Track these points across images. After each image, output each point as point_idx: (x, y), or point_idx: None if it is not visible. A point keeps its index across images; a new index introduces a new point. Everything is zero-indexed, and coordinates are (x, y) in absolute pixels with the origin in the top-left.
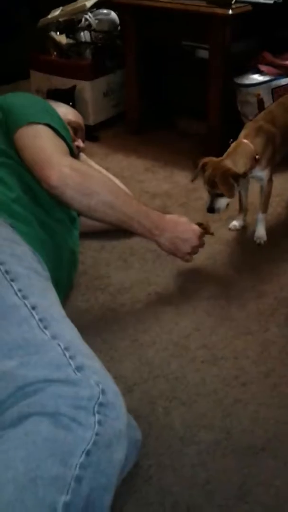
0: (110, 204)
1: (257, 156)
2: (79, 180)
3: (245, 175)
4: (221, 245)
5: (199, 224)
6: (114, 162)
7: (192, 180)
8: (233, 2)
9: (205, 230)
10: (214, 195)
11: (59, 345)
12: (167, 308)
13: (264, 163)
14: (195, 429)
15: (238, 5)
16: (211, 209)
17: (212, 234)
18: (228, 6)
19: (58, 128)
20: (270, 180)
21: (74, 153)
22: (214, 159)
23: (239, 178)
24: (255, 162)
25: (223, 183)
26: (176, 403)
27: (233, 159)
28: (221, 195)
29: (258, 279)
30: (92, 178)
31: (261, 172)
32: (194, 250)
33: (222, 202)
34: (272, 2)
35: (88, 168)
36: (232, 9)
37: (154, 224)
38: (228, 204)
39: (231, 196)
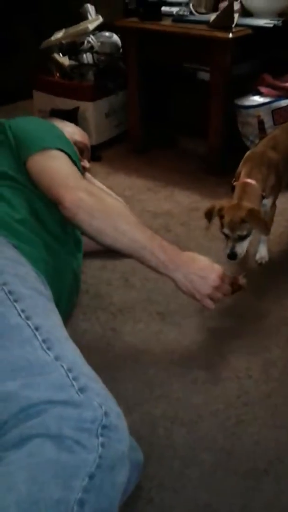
0: (121, 230)
1: (263, 194)
2: (92, 203)
3: None
4: (222, 265)
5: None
6: (116, 181)
7: (207, 228)
8: (233, 26)
9: (234, 280)
10: (235, 240)
11: (62, 366)
12: (169, 328)
13: (268, 191)
14: (197, 450)
15: (239, 28)
16: (233, 255)
17: (241, 287)
18: (229, 30)
19: (70, 153)
20: (273, 205)
21: (81, 174)
22: (228, 203)
23: None
24: (262, 198)
25: (257, 221)
26: (178, 424)
27: (248, 200)
28: (243, 238)
29: (261, 299)
30: (105, 203)
31: (265, 200)
32: (216, 294)
33: (243, 245)
34: (271, 25)
35: (102, 193)
36: (233, 32)
37: (168, 257)
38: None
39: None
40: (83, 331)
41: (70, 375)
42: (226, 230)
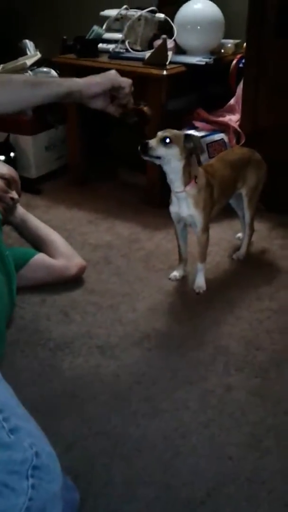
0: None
1: (196, 179)
2: None
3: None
4: (161, 295)
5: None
6: (56, 214)
7: None
8: (167, 63)
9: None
10: (159, 140)
11: None
12: (108, 362)
13: (200, 204)
14: (135, 485)
15: (173, 66)
16: (144, 145)
17: (146, 114)
18: (163, 67)
19: None
20: (205, 231)
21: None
22: None
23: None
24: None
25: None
26: (117, 459)
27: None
28: (165, 144)
29: (198, 328)
30: None
31: (196, 214)
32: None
33: (162, 150)
34: (204, 63)
35: None
36: (167, 70)
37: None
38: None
39: (202, 258)
40: (20, 369)
41: (0, 416)
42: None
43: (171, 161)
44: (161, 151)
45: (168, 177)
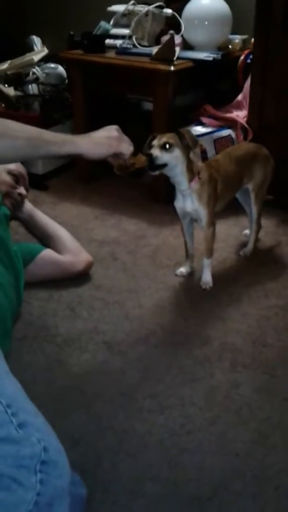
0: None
1: (199, 174)
2: None
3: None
4: (168, 291)
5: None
6: (63, 210)
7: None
8: (175, 58)
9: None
10: (159, 146)
11: (1, 402)
12: (114, 358)
13: (204, 199)
14: (141, 482)
15: (180, 61)
16: (149, 156)
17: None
18: (171, 62)
19: None
20: (211, 226)
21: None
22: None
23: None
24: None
25: (186, 135)
26: (123, 455)
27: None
28: (166, 149)
29: (204, 324)
30: None
31: (200, 208)
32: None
33: (165, 156)
34: (211, 59)
35: None
36: (174, 65)
37: (67, 137)
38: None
39: (209, 252)
40: (27, 364)
41: (8, 411)
42: (154, 143)
43: (177, 164)
44: (166, 157)
45: (173, 179)
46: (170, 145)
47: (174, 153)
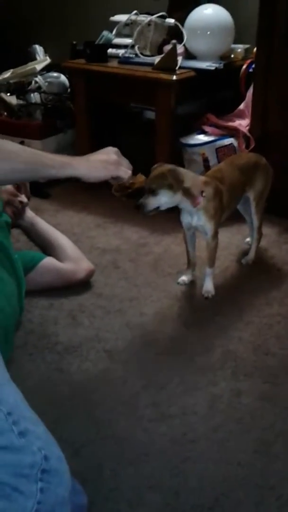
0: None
1: (203, 193)
2: None
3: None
4: (170, 299)
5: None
6: (65, 218)
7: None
8: (177, 68)
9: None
10: (148, 191)
11: (2, 410)
12: (116, 366)
13: (211, 213)
14: (143, 491)
15: (182, 71)
16: (139, 205)
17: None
18: (173, 72)
19: None
20: (215, 237)
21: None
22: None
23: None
24: (200, 191)
25: (174, 179)
26: (124, 464)
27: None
28: (154, 193)
29: (206, 333)
30: None
31: (207, 223)
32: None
33: (152, 201)
34: (213, 68)
35: None
36: (176, 74)
37: (65, 159)
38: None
39: (213, 244)
40: (28, 373)
41: (9, 419)
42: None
43: (169, 202)
44: (154, 202)
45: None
46: (156, 188)
47: (161, 197)
